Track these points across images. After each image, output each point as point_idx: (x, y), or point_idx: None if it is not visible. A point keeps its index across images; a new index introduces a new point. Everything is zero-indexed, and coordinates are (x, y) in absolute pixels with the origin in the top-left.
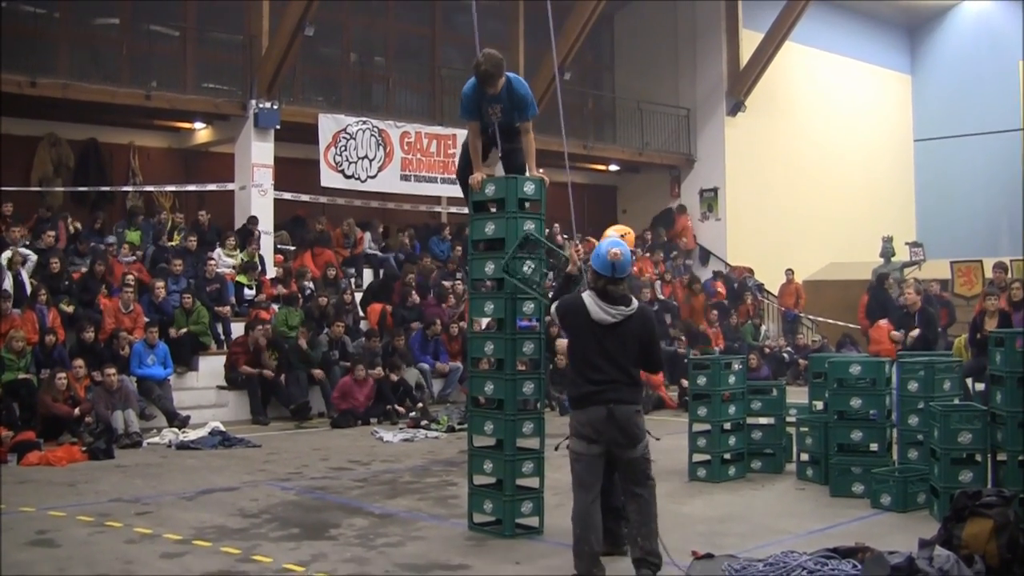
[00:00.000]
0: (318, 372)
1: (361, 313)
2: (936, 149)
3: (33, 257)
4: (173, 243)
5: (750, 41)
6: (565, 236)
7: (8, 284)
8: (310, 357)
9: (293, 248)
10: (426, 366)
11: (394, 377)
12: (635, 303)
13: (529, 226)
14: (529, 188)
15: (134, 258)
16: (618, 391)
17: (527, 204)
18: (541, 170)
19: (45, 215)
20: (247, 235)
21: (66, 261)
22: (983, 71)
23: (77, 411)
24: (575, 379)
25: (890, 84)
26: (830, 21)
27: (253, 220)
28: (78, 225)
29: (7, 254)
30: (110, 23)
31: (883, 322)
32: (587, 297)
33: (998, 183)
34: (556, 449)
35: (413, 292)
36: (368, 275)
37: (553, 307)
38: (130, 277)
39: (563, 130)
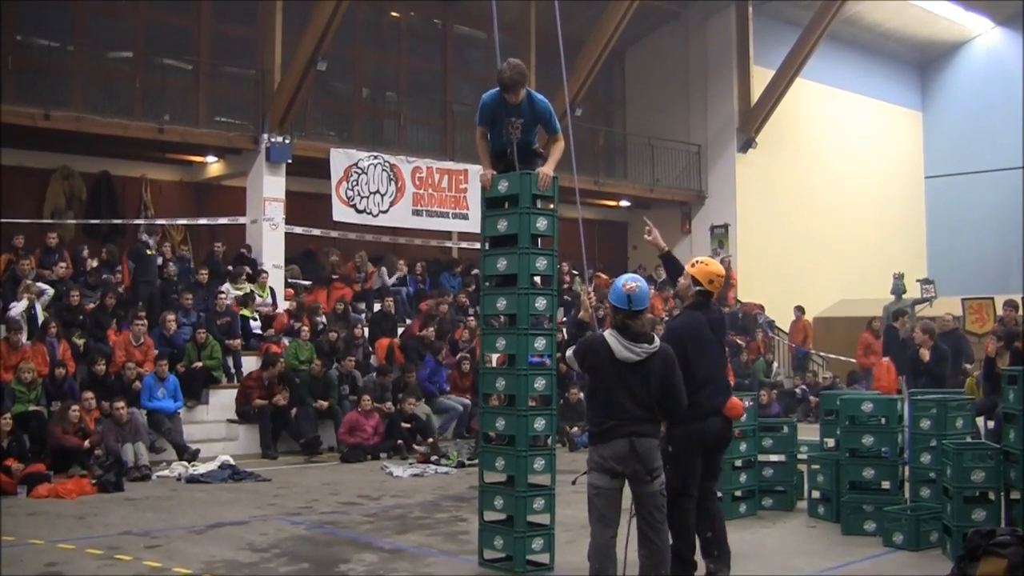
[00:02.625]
0: (322, 404)
1: (370, 348)
2: (947, 185)
3: (50, 291)
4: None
5: (761, 78)
6: (575, 272)
7: (21, 315)
8: (324, 384)
9: (308, 283)
10: (457, 407)
11: (410, 408)
12: (657, 341)
13: (542, 263)
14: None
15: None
16: (639, 425)
17: (539, 240)
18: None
19: (52, 242)
20: (253, 269)
21: (82, 294)
22: (994, 108)
23: (87, 443)
24: (595, 416)
25: (901, 121)
26: (841, 58)
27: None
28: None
29: (22, 287)
30: (124, 56)
31: (885, 359)
32: (609, 336)
33: (1009, 219)
34: (573, 483)
35: (430, 327)
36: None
37: (570, 351)
38: (141, 312)
39: (574, 166)
